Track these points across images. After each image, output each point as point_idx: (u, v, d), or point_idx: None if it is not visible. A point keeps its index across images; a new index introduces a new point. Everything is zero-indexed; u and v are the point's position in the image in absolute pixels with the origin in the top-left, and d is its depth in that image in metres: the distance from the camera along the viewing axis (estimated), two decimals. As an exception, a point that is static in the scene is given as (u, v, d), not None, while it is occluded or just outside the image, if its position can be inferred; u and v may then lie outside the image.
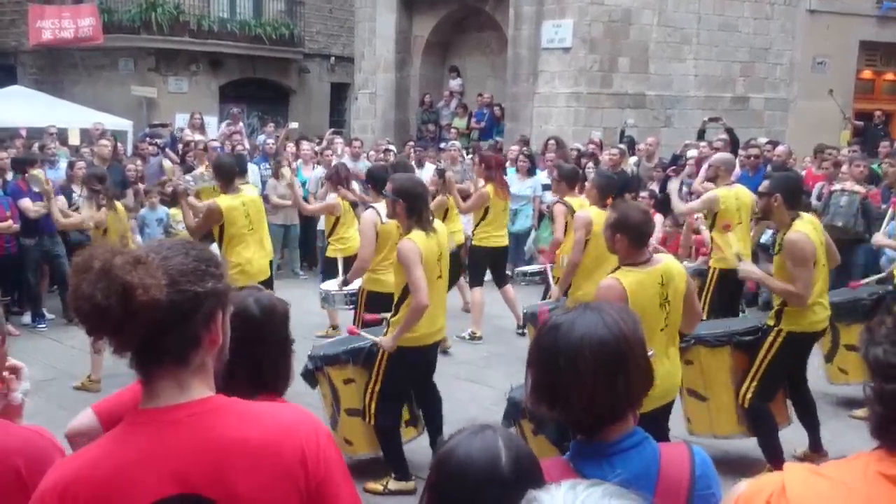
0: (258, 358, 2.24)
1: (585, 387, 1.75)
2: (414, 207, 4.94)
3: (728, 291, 7.19)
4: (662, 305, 3.99)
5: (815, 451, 5.44)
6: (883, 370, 1.36)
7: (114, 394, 2.38)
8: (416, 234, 4.91)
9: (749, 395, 5.14)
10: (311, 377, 5.39)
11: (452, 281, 7.57)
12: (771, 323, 5.18)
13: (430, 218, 5.07)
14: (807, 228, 5.02)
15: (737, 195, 7.24)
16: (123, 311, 1.44)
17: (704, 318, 6.74)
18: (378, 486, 5.15)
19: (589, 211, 6.70)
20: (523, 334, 8.38)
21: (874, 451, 1.37)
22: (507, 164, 11.70)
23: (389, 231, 6.20)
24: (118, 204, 7.59)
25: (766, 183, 5.40)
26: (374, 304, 6.25)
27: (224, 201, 6.65)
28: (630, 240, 4.03)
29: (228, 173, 6.80)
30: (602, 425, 1.80)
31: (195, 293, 1.53)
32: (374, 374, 5.07)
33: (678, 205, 7.86)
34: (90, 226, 7.40)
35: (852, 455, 1.40)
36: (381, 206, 6.21)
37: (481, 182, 8.45)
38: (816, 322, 5.17)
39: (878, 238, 6.94)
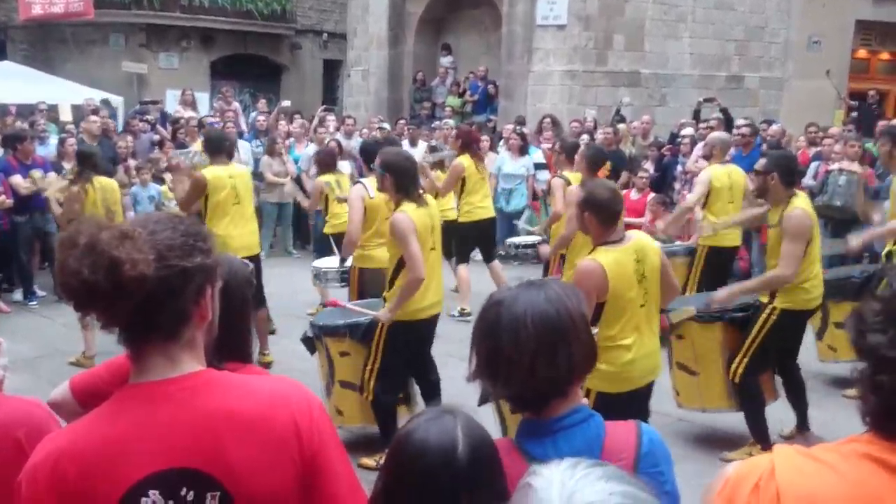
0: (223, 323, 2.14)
1: (525, 361, 1.75)
2: (402, 181, 4.94)
3: (717, 269, 7.23)
4: (641, 282, 4.00)
5: (801, 431, 5.47)
6: (881, 362, 1.33)
7: (91, 368, 2.38)
8: (408, 206, 4.91)
9: (740, 371, 5.17)
10: (310, 343, 5.47)
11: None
12: (764, 300, 5.20)
13: (419, 192, 5.06)
14: (805, 206, 5.07)
15: (729, 174, 7.27)
16: (111, 287, 1.42)
17: (692, 293, 6.80)
18: (371, 462, 5.16)
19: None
20: None
21: (865, 434, 1.37)
22: (501, 143, 11.71)
23: (378, 206, 6.18)
24: (106, 180, 7.60)
25: (762, 161, 5.43)
26: (366, 280, 6.24)
27: (210, 171, 6.65)
28: (599, 219, 4.02)
29: (217, 146, 6.80)
30: (544, 401, 1.80)
31: (183, 268, 1.51)
32: (372, 351, 5.08)
33: (690, 199, 7.68)
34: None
35: (843, 438, 1.39)
36: (370, 181, 6.20)
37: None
38: (810, 299, 5.20)
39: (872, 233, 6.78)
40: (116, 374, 2.12)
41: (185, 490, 1.49)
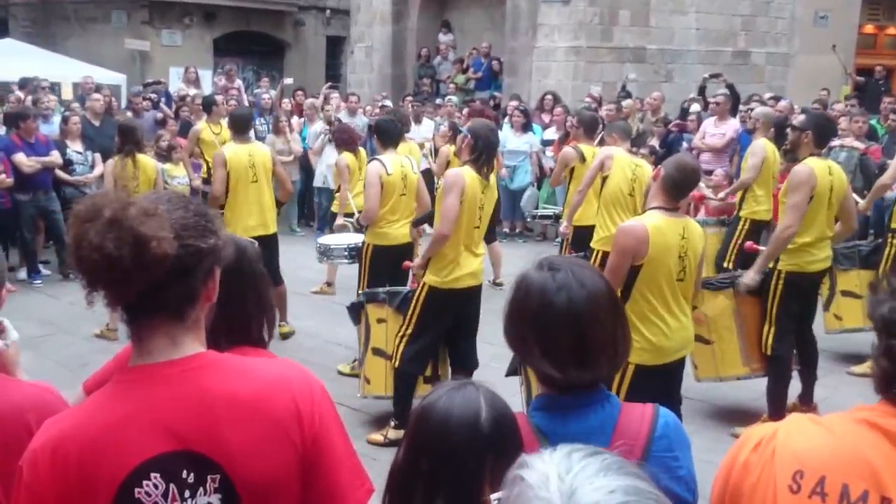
0: (232, 306, 2.02)
1: (550, 343, 1.77)
2: (477, 146, 4.97)
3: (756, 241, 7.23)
4: (681, 257, 3.99)
5: (805, 404, 5.50)
6: (889, 328, 1.38)
7: (100, 368, 2.36)
8: (467, 170, 4.95)
9: (770, 341, 5.25)
10: (356, 312, 5.54)
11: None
12: (771, 265, 5.24)
13: (489, 169, 5.07)
14: (816, 165, 5.08)
15: (774, 150, 7.34)
16: (135, 263, 1.41)
17: (731, 265, 6.85)
18: (379, 437, 5.22)
19: (612, 149, 6.77)
20: (500, 286, 8.67)
21: (876, 403, 1.41)
22: (505, 119, 11.66)
23: (394, 183, 6.13)
24: (146, 158, 7.83)
25: (801, 118, 5.58)
26: (379, 259, 6.18)
27: (229, 149, 6.92)
28: (668, 185, 4.01)
29: (241, 124, 7.05)
30: (570, 382, 1.80)
31: (198, 248, 1.51)
32: (408, 317, 5.15)
33: (749, 172, 7.36)
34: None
35: (852, 409, 1.45)
36: (387, 158, 6.16)
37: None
38: (814, 262, 5.22)
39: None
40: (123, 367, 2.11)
41: (185, 473, 1.49)
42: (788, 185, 5.10)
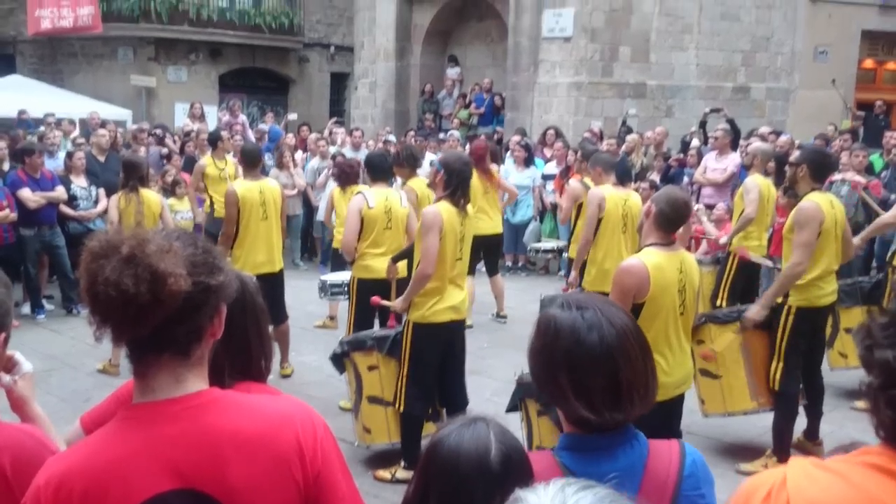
0: (236, 340, 2.00)
1: (589, 381, 1.74)
2: (451, 181, 4.98)
3: (747, 277, 7.23)
4: (680, 291, 4.02)
5: (811, 440, 5.47)
6: (893, 377, 1.32)
7: (99, 403, 2.36)
8: (443, 205, 4.95)
9: (778, 376, 5.23)
10: (339, 361, 5.44)
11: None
12: (779, 300, 5.24)
13: (465, 201, 5.08)
14: (820, 200, 5.09)
15: (769, 185, 7.30)
16: (152, 299, 1.42)
17: (724, 304, 6.82)
18: (387, 475, 5.18)
19: (602, 189, 6.78)
20: (504, 319, 8.79)
21: (877, 446, 1.37)
22: (507, 154, 11.73)
23: (375, 216, 6.22)
24: (150, 193, 7.75)
25: (797, 153, 5.57)
26: (365, 292, 6.15)
27: (240, 185, 6.85)
28: (661, 220, 4.05)
29: (251, 160, 6.98)
30: (600, 422, 1.77)
31: (208, 285, 1.52)
32: (402, 359, 5.10)
33: (749, 210, 7.20)
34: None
35: (856, 451, 1.39)
36: (371, 191, 6.27)
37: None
38: (823, 296, 5.22)
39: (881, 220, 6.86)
40: (125, 404, 2.11)
41: None
42: (795, 222, 5.08)
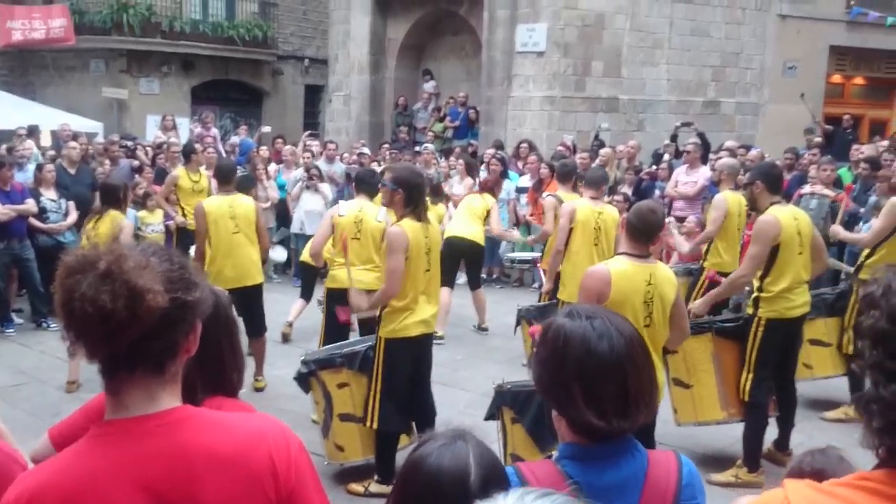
0: (209, 355, 1.97)
1: (600, 389, 1.76)
2: (411, 197, 4.98)
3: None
4: (646, 303, 4.04)
5: (781, 451, 5.52)
6: None
7: (67, 417, 2.34)
8: (407, 223, 4.94)
9: (748, 387, 5.27)
10: (304, 381, 5.35)
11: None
12: (750, 311, 5.33)
13: (425, 210, 5.09)
14: (779, 213, 5.16)
15: (740, 200, 7.30)
16: (129, 316, 1.40)
17: (692, 317, 6.88)
18: (360, 488, 5.15)
19: (575, 202, 6.85)
20: (485, 331, 8.82)
21: (876, 471, 1.33)
22: (482, 167, 11.78)
23: (345, 225, 6.30)
24: (117, 215, 7.37)
25: (747, 175, 5.73)
26: (332, 301, 6.28)
27: (209, 201, 6.91)
28: (634, 232, 4.13)
29: (225, 176, 7.00)
30: (612, 431, 1.79)
31: (185, 302, 1.51)
32: (374, 375, 5.05)
33: (711, 226, 7.37)
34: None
35: (854, 475, 1.36)
36: (346, 202, 6.43)
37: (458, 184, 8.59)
38: (792, 308, 5.28)
39: (836, 229, 6.97)
40: (94, 418, 2.09)
41: None
42: (752, 235, 5.23)
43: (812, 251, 5.33)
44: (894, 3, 17.61)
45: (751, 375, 5.26)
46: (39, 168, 9.66)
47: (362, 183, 6.61)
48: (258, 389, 6.95)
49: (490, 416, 4.65)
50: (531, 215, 10.35)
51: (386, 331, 5.02)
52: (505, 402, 4.54)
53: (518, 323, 6.91)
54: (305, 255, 8.06)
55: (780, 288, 5.17)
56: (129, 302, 1.40)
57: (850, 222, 8.70)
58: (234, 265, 6.76)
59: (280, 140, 13.77)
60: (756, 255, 5.15)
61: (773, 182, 5.32)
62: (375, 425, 5.04)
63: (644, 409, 1.80)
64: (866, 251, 6.39)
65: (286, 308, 8.46)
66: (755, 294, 5.30)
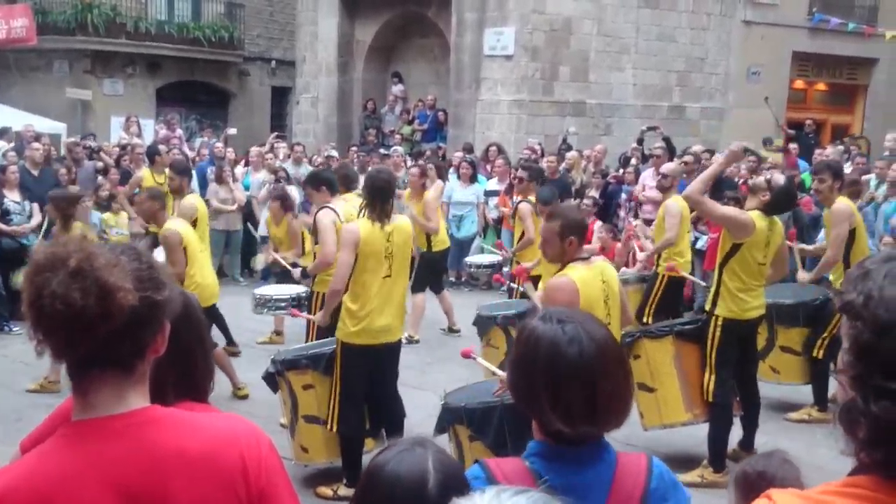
0: (180, 356, 1.95)
1: (566, 394, 1.76)
2: (372, 198, 4.97)
3: (673, 296, 7.50)
4: (605, 302, 4.08)
5: (746, 451, 5.58)
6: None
7: (37, 427, 2.31)
8: (362, 222, 4.93)
9: (711, 387, 5.31)
10: (272, 381, 5.36)
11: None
12: (708, 308, 5.39)
13: (388, 213, 5.02)
14: (757, 217, 5.21)
15: (685, 205, 7.38)
16: (100, 313, 1.39)
17: (650, 320, 6.94)
18: (329, 491, 5.13)
19: None
20: (458, 332, 8.76)
21: (863, 477, 1.29)
22: (451, 170, 11.81)
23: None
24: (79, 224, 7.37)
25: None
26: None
27: (176, 224, 6.65)
28: (579, 239, 4.15)
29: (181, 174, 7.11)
30: (573, 435, 1.80)
31: (154, 301, 1.50)
32: (334, 379, 5.05)
33: (670, 234, 7.35)
34: None
35: (841, 481, 1.33)
36: (337, 206, 6.18)
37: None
38: (749, 309, 5.34)
39: (801, 277, 6.88)
40: (61, 422, 2.06)
41: None
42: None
43: (775, 259, 5.41)
44: (855, 10, 17.95)
45: (713, 376, 5.31)
46: (2, 170, 9.51)
47: (320, 182, 6.40)
48: (241, 399, 6.83)
49: (440, 430, 4.50)
50: (502, 219, 10.40)
51: (341, 333, 5.01)
52: (458, 420, 4.38)
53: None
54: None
55: (737, 288, 5.24)
56: (99, 300, 1.39)
57: (813, 226, 8.86)
58: (211, 284, 6.87)
59: (255, 148, 13.37)
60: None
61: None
62: (335, 428, 5.03)
63: (614, 417, 1.80)
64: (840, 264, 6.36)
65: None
66: (713, 291, 5.36)
